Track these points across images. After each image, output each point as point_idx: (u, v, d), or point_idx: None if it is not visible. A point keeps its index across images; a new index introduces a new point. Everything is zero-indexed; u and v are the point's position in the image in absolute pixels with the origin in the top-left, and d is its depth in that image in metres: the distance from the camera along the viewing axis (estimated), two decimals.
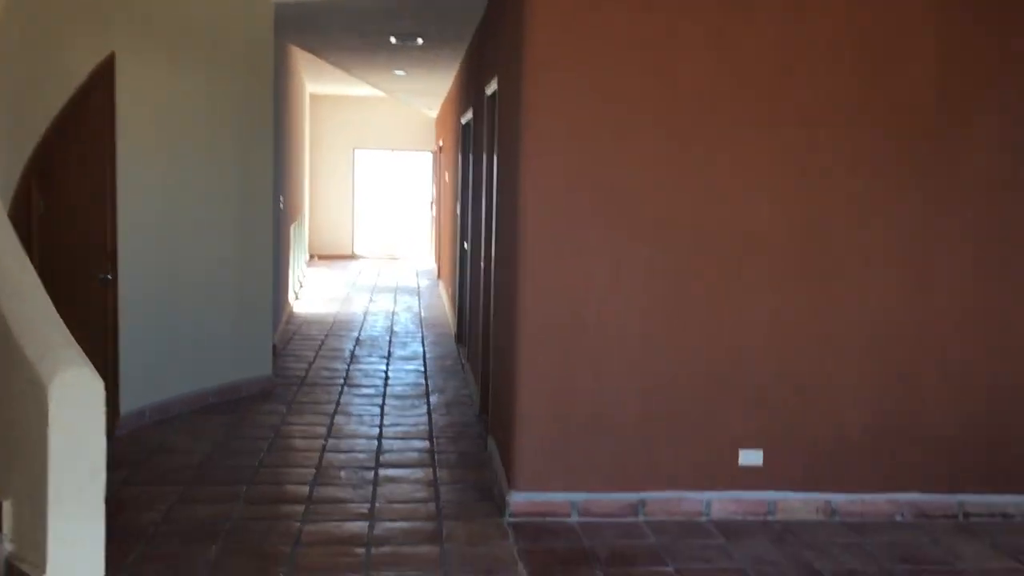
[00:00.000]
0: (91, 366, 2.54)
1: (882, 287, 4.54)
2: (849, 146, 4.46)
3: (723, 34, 4.36)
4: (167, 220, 6.10)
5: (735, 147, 4.42)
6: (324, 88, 15.29)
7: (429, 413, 6.45)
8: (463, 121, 8.55)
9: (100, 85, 5.45)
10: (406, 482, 4.98)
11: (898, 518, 4.59)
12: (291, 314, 10.45)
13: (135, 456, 5.27)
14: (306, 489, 4.82)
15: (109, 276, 5.56)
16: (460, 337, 8.75)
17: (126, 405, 5.72)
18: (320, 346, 8.87)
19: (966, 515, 4.63)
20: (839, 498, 4.59)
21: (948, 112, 4.49)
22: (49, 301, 2.80)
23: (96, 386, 2.52)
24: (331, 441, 5.71)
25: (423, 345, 9.10)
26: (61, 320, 2.74)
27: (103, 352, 5.41)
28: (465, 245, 8.25)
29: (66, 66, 5.24)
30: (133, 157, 5.71)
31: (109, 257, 5.57)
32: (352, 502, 4.65)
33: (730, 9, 4.35)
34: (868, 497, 4.60)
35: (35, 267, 3.01)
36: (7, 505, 2.64)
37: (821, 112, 4.43)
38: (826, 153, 4.46)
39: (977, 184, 4.54)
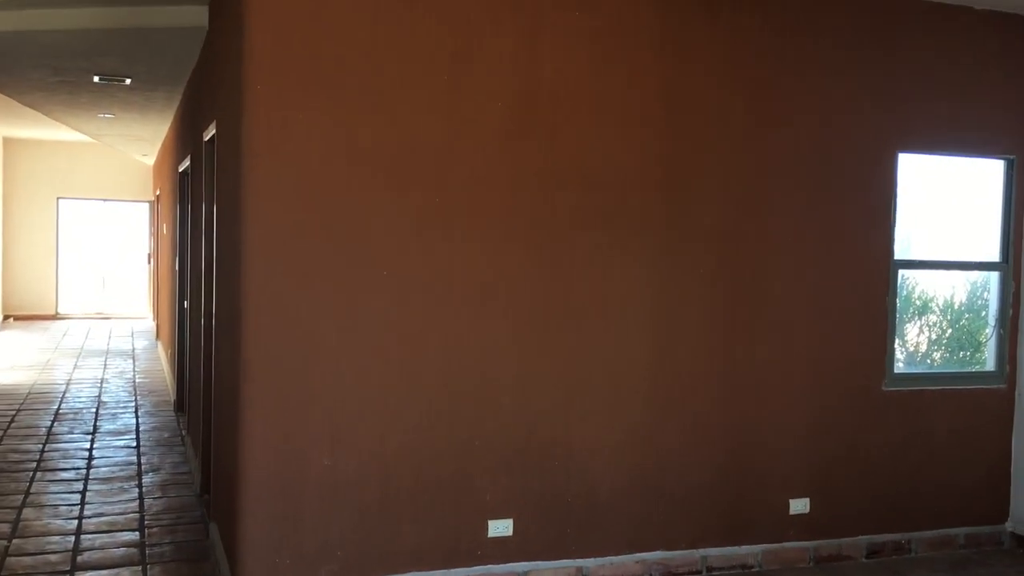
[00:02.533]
0: None
1: (624, 344, 4.48)
2: (586, 202, 4.39)
3: (459, 88, 4.15)
4: None
5: (472, 201, 4.21)
6: (21, 131, 13.74)
7: (141, 497, 5.66)
8: (181, 168, 7.85)
9: None
10: None
11: None
12: None
13: None
14: None
15: None
16: (180, 405, 7.92)
17: None
18: (9, 423, 7.68)
19: (709, 569, 4.63)
20: (590, 563, 4.43)
21: (672, 168, 4.54)
22: None
23: None
24: (16, 542, 4.81)
25: (136, 416, 8.14)
26: None
27: None
28: (185, 303, 7.50)
29: None
30: None
31: None
32: None
33: (462, 62, 4.15)
34: (617, 559, 4.48)
35: None
36: None
37: (557, 171, 4.32)
38: (563, 208, 4.35)
39: (708, 238, 4.62)
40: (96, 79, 7.28)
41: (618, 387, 4.48)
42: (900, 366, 5.12)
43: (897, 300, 5.04)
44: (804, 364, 4.83)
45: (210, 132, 5.25)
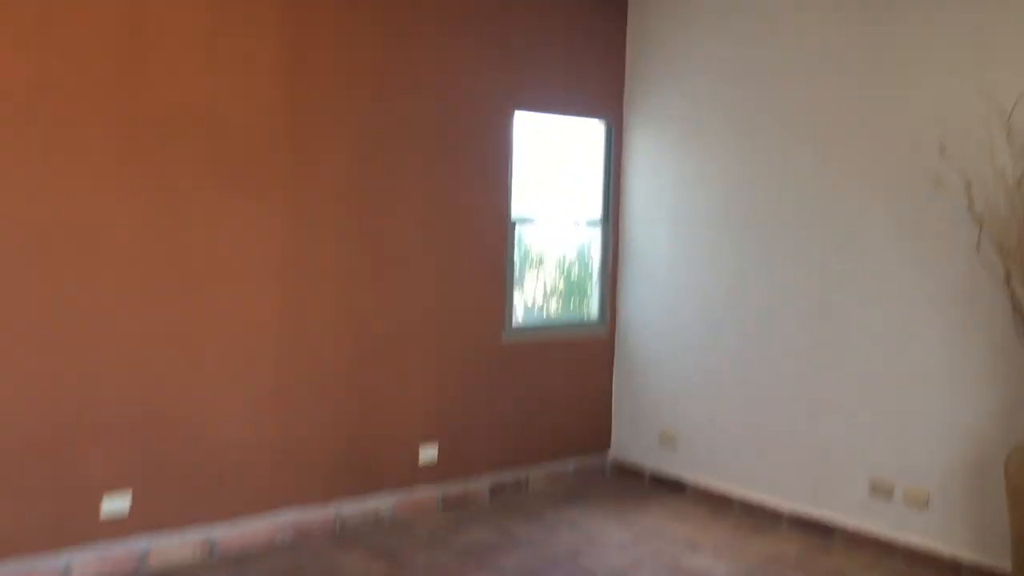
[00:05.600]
0: None
1: (250, 306, 4.36)
2: (205, 154, 4.18)
3: (49, 19, 3.75)
4: None
5: (87, 151, 3.84)
6: None
7: None
8: None
9: None
10: None
11: (279, 539, 4.46)
12: None
13: None
14: None
15: None
16: None
17: None
18: None
19: (343, 523, 4.70)
20: (219, 531, 4.30)
21: (300, 123, 4.48)
22: None
23: None
24: None
25: None
26: None
27: None
28: None
29: None
30: None
31: None
32: None
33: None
34: (248, 524, 4.39)
35: None
36: None
37: (172, 118, 4.08)
38: (180, 159, 4.12)
39: (336, 198, 4.61)
40: None
41: (245, 350, 4.36)
42: (519, 319, 5.50)
43: (515, 256, 5.40)
44: (430, 320, 5.02)
45: None
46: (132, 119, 3.97)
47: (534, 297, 5.76)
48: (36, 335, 3.79)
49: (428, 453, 5.04)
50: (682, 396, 5.51)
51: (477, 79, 5.11)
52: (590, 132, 5.81)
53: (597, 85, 5.70)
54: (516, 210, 5.38)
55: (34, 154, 3.74)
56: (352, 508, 4.75)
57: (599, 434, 5.89)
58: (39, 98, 3.73)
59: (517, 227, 5.41)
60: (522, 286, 5.57)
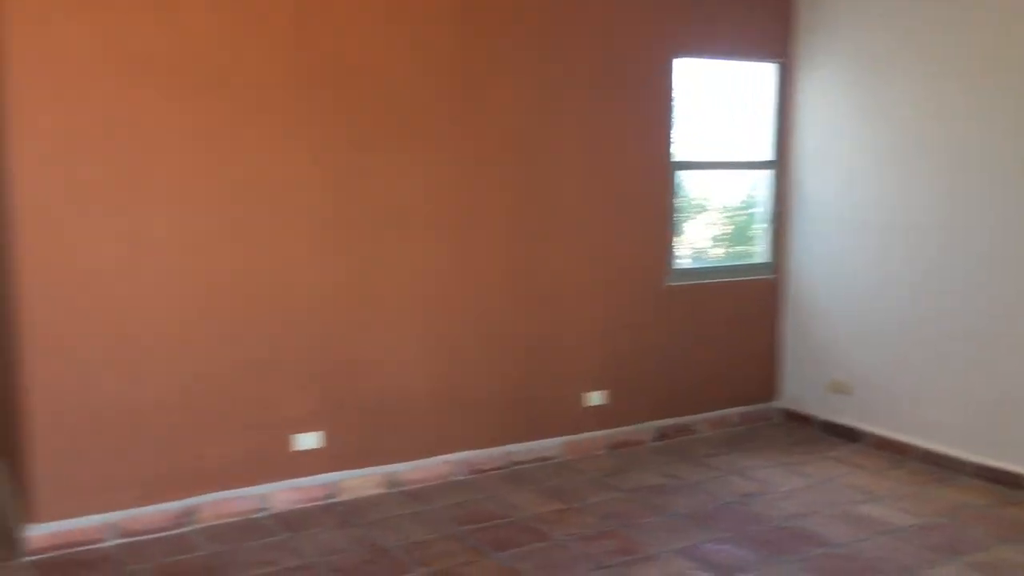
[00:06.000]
0: None
1: (421, 251, 4.52)
2: (379, 107, 4.33)
3: None
4: None
5: (272, 114, 4.06)
6: None
7: None
8: None
9: None
10: None
11: (453, 478, 4.66)
12: None
13: None
14: None
15: None
16: None
17: None
18: None
19: (512, 465, 4.85)
20: (398, 468, 4.53)
21: (469, 75, 4.56)
22: None
23: None
24: None
25: None
26: None
27: None
28: None
29: None
30: None
31: None
32: None
33: None
34: (426, 462, 4.61)
35: None
36: None
37: (343, 75, 4.24)
38: (357, 115, 4.29)
39: (503, 146, 4.70)
40: None
41: (422, 299, 4.54)
42: (683, 264, 5.46)
43: (678, 201, 5.35)
44: (594, 265, 5.06)
45: None
46: (312, 78, 4.15)
47: (699, 242, 5.70)
48: (234, 287, 4.07)
49: (593, 398, 5.12)
50: (856, 343, 5.35)
51: (638, 26, 5.04)
52: (758, 73, 5.63)
53: (765, 25, 5.50)
54: (680, 154, 5.31)
55: (225, 116, 3.98)
56: (520, 451, 4.89)
57: (766, 381, 5.81)
58: (229, 61, 3.96)
59: (679, 172, 5.35)
60: (686, 231, 5.52)
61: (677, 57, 5.21)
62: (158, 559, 3.72)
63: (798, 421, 5.70)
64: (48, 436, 3.73)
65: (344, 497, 4.37)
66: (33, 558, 3.70)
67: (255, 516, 4.15)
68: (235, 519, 4.11)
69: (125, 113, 3.76)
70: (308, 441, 4.29)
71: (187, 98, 3.88)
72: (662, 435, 5.38)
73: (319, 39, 4.15)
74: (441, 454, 4.66)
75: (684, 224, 5.49)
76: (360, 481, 4.43)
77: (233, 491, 4.13)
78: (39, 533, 3.74)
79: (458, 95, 4.53)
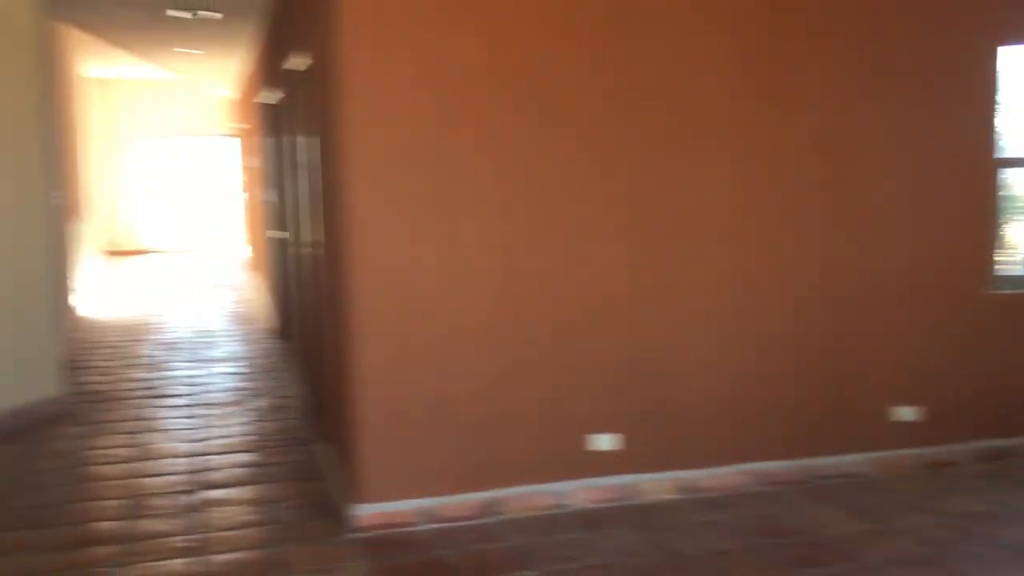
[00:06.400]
0: None
1: (720, 254, 4.45)
2: (681, 113, 4.31)
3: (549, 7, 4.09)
4: None
5: (578, 122, 4.17)
6: (103, 71, 14.01)
7: (251, 421, 5.90)
8: (270, 101, 7.92)
9: None
10: (232, 504, 4.46)
11: (750, 488, 4.54)
12: (80, 320, 9.46)
13: None
14: (119, 525, 4.21)
15: None
16: (283, 333, 8.16)
17: None
18: (118, 354, 8.03)
19: (813, 478, 4.64)
20: (694, 474, 4.49)
21: (776, 75, 4.43)
22: None
23: None
24: (140, 464, 5.08)
25: (237, 344, 8.43)
26: None
27: None
28: (284, 233, 7.66)
29: None
30: None
31: None
32: (174, 535, 4.10)
33: None
34: (722, 470, 4.53)
35: None
36: None
37: (645, 81, 4.25)
38: (658, 123, 4.29)
39: (811, 145, 4.52)
40: (170, 13, 7.37)
41: (719, 303, 4.47)
42: (1010, 269, 4.97)
43: (1001, 200, 4.87)
44: (905, 269, 4.73)
45: (302, 63, 5.28)
46: (616, 89, 4.21)
47: (1021, 244, 5.17)
48: (546, 291, 4.21)
49: (903, 412, 4.79)
50: None
51: (958, 13, 4.66)
52: None
53: None
54: (1006, 150, 4.84)
55: (533, 127, 4.13)
56: (821, 464, 4.67)
57: None
58: (538, 73, 4.11)
59: (1004, 171, 4.87)
60: (1012, 234, 5.02)
61: (1003, 45, 4.75)
62: (466, 546, 3.93)
63: None
64: (374, 424, 4.06)
65: (640, 500, 4.39)
66: (359, 535, 4.03)
67: (554, 512, 4.27)
68: (536, 513, 4.25)
69: (441, 129, 4.01)
70: (607, 442, 4.35)
71: (495, 112, 4.06)
72: (982, 457, 4.92)
73: (623, 52, 4.19)
74: (736, 463, 4.56)
75: (1011, 227, 5.00)
76: (656, 484, 4.43)
77: (534, 486, 4.27)
78: (364, 513, 4.07)
79: (764, 93, 4.42)
